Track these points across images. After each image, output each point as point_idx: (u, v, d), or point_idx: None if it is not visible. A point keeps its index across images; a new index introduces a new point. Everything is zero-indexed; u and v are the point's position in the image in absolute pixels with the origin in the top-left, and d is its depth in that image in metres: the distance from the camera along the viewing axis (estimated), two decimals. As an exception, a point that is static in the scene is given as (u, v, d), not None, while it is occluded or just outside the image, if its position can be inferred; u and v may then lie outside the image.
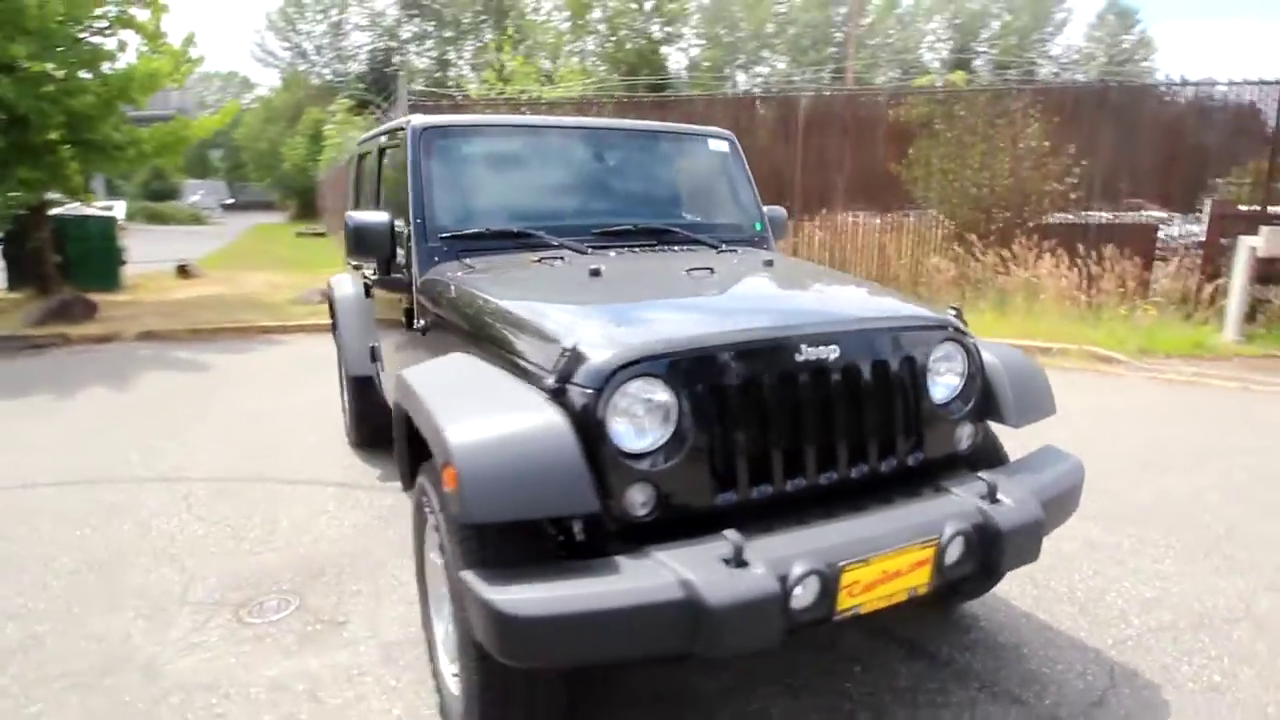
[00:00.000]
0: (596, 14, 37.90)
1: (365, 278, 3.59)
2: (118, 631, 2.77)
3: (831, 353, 2.04)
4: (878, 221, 9.90)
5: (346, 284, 4.52)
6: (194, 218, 36.87)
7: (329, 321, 4.95)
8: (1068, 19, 44.79)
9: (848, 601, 1.84)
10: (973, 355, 2.31)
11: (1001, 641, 2.69)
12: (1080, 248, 8.33)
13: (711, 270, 2.63)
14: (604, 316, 2.08)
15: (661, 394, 1.87)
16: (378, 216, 2.90)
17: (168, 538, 3.53)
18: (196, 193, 45.53)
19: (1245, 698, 2.39)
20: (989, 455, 2.47)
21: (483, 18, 43.43)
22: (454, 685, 2.16)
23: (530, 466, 1.71)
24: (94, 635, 2.74)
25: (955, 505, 2.04)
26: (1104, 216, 9.14)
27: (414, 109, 10.94)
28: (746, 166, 3.57)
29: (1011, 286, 8.32)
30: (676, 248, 3.13)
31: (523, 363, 2.05)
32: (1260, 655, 2.61)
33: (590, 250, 2.92)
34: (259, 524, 3.67)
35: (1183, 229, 9.36)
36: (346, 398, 4.68)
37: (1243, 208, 8.36)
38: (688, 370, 1.89)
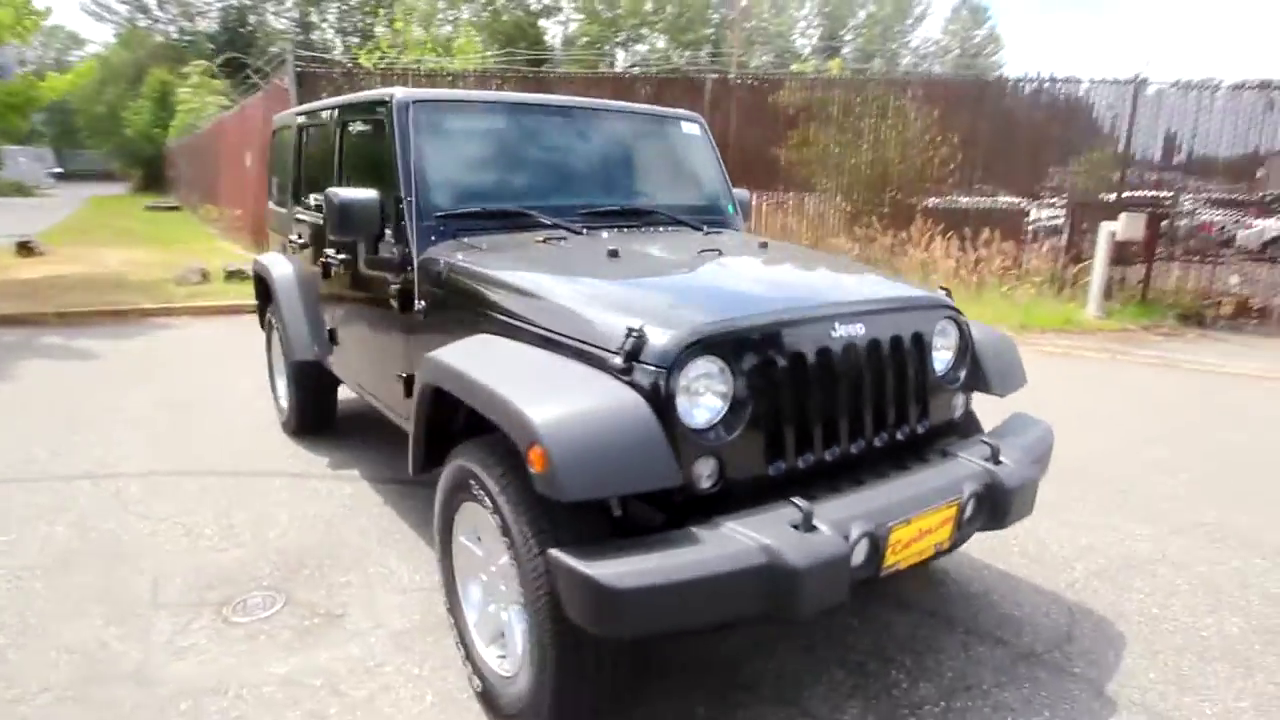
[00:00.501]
0: (473, -18, 36.75)
1: (327, 257, 3.42)
2: (90, 639, 2.56)
3: (859, 329, 2.19)
4: (780, 202, 10.29)
5: (284, 263, 4.28)
6: (18, 188, 33.00)
7: (231, 304, 4.66)
8: (926, 12, 47.66)
9: (891, 559, 2.00)
10: (964, 331, 2.52)
11: (973, 591, 2.97)
12: (967, 231, 9.03)
13: (720, 251, 2.72)
14: (656, 297, 2.14)
15: (722, 370, 1.95)
16: (366, 194, 2.79)
17: (112, 538, 3.27)
18: (18, 160, 40.71)
19: (1181, 624, 2.77)
20: (971, 423, 2.71)
21: (349, -21, 41.16)
22: (500, 666, 2.18)
23: (617, 444, 1.76)
24: (64, 646, 2.53)
25: (967, 468, 2.25)
26: (982, 202, 9.92)
27: (302, 77, 10.31)
28: (716, 149, 3.67)
29: (906, 266, 8.90)
30: (662, 228, 3.19)
31: (575, 343, 2.06)
32: (1182, 589, 3.02)
33: (585, 230, 2.93)
34: (212, 520, 3.45)
35: (1038, 214, 10.30)
36: (285, 384, 4.44)
37: (1103, 196, 9.30)
38: (744, 348, 1.98)
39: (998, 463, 2.27)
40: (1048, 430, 2.65)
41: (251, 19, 41.70)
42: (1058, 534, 3.44)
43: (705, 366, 1.93)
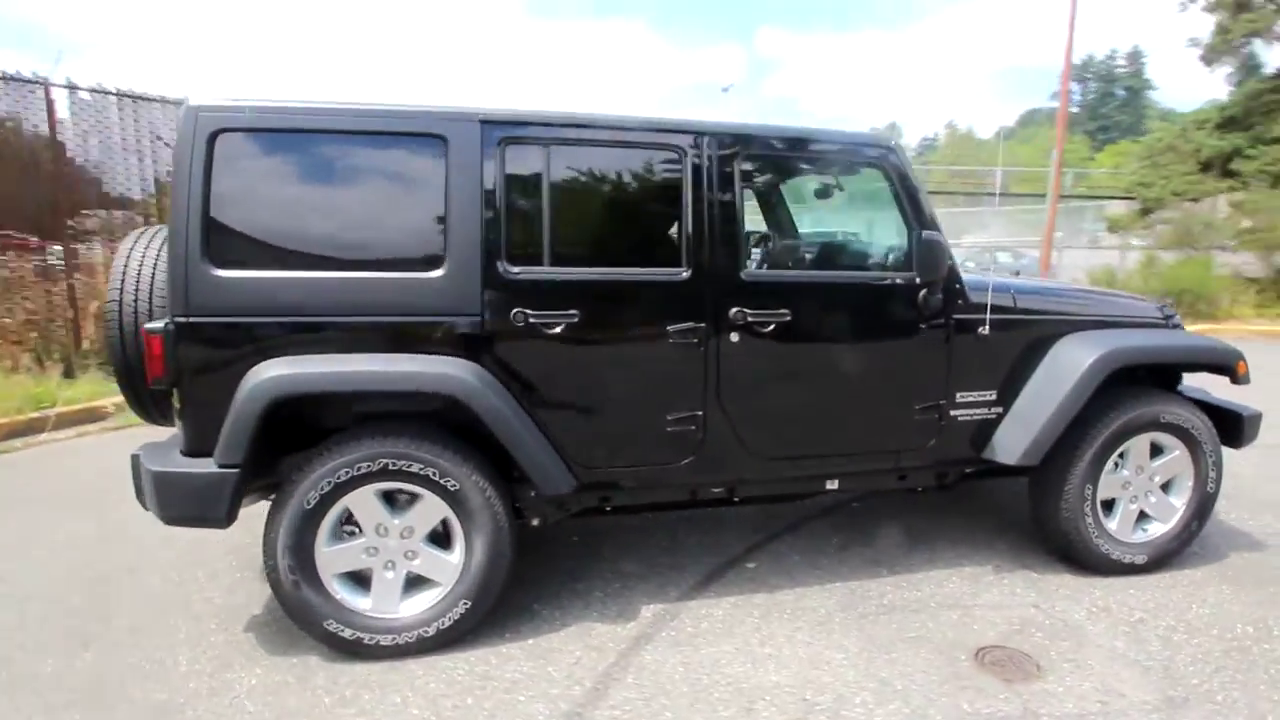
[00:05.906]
0: None
1: (788, 317, 2.96)
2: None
3: None
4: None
5: (477, 373, 2.65)
6: None
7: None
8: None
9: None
10: None
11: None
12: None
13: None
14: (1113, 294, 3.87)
15: None
16: (940, 236, 2.92)
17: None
18: None
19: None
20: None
21: None
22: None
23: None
24: None
25: None
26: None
27: None
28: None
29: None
30: None
31: (1126, 319, 3.40)
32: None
33: None
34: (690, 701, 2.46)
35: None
36: (462, 558, 2.68)
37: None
38: None
39: None
40: None
41: None
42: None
43: None
